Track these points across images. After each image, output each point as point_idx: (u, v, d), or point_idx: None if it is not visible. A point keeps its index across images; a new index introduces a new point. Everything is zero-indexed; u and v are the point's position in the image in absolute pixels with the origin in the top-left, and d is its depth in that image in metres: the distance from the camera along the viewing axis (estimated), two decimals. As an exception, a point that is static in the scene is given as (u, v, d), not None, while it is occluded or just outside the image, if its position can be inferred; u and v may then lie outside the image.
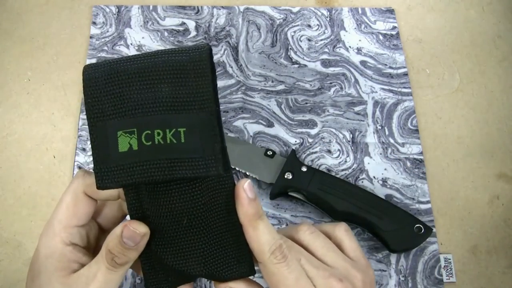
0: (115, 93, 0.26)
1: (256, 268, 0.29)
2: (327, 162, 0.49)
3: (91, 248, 0.31)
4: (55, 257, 0.28)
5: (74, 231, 0.29)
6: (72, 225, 0.29)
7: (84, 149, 0.49)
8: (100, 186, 0.26)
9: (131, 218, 0.28)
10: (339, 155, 0.50)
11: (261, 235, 0.28)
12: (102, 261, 0.27)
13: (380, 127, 0.51)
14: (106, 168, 0.26)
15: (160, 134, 0.25)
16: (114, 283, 0.28)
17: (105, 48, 0.54)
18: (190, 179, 0.26)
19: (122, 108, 0.25)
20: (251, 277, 0.30)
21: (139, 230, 0.27)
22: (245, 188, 0.27)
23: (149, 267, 0.29)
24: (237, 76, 0.53)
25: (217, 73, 0.53)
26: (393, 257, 0.46)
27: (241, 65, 0.54)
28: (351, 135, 0.51)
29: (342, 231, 0.33)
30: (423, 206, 0.48)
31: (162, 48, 0.54)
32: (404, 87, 0.53)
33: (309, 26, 0.56)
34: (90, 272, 0.28)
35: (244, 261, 0.29)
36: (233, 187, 0.28)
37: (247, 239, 0.28)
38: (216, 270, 0.28)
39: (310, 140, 0.50)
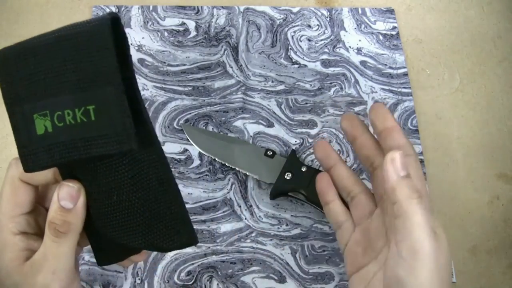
0: (26, 74, 0.25)
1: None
2: (327, 162, 0.49)
3: (43, 233, 0.30)
4: (7, 249, 0.28)
5: (20, 219, 0.29)
6: (17, 214, 0.29)
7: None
8: (26, 169, 0.26)
9: None
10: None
11: (420, 215, 0.27)
12: (46, 238, 0.27)
13: (380, 127, 0.51)
14: (29, 152, 0.26)
15: (70, 114, 0.25)
16: (65, 258, 0.28)
17: (105, 48, 0.54)
18: (112, 155, 0.26)
19: (34, 90, 0.25)
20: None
21: (72, 184, 0.27)
22: (395, 158, 0.27)
23: (96, 242, 0.30)
24: (237, 76, 0.53)
25: (217, 73, 0.53)
26: (393, 257, 0.46)
27: (241, 65, 0.54)
28: (351, 135, 0.51)
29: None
30: (423, 206, 0.48)
31: (162, 48, 0.54)
32: (404, 87, 0.53)
33: (309, 26, 0.56)
34: (40, 254, 0.28)
35: (184, 230, 0.28)
36: (162, 157, 0.27)
37: (408, 226, 0.27)
38: (157, 241, 0.28)
39: (310, 140, 0.50)
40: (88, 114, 0.25)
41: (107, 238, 0.29)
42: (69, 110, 0.25)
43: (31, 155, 0.26)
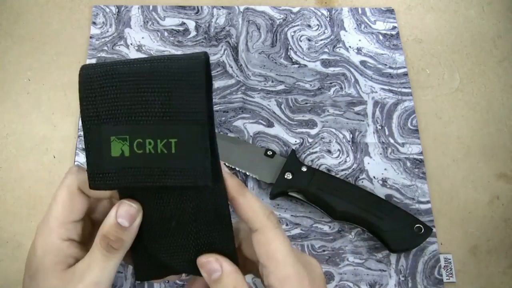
0: (110, 97, 0.26)
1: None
2: (327, 162, 0.49)
3: (86, 243, 0.31)
4: (52, 253, 0.28)
5: (71, 226, 0.29)
6: (69, 221, 0.29)
7: (84, 149, 0.49)
8: (93, 186, 0.27)
9: None
10: (339, 155, 0.50)
11: (252, 202, 0.28)
12: (96, 249, 0.28)
13: (380, 127, 0.51)
14: (99, 171, 0.26)
15: (151, 143, 0.25)
16: (109, 271, 0.28)
17: (105, 48, 0.54)
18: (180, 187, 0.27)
19: (116, 113, 0.26)
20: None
21: (134, 204, 0.27)
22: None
23: (139, 259, 0.30)
24: (237, 76, 0.53)
25: (217, 73, 0.53)
26: (393, 257, 0.46)
27: (241, 65, 0.54)
28: (351, 135, 0.51)
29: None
30: (423, 206, 0.48)
31: (162, 48, 0.54)
32: (404, 87, 0.53)
33: (309, 26, 0.56)
34: (85, 264, 0.28)
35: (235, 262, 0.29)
36: (223, 193, 0.28)
37: (240, 211, 0.28)
38: None
39: (310, 140, 0.50)
40: (170, 146, 0.25)
41: (152, 257, 0.30)
42: (151, 139, 0.25)
43: (101, 174, 0.26)
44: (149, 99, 0.25)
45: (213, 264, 0.28)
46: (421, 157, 0.50)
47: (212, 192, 0.28)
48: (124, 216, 0.27)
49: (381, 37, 0.56)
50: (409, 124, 0.51)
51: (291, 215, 0.47)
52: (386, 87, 0.53)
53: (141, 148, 0.25)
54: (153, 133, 0.25)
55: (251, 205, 0.28)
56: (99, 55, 0.53)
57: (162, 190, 0.27)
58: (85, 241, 0.31)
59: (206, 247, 0.29)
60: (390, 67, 0.54)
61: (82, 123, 0.26)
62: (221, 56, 0.54)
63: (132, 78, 0.25)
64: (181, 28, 0.55)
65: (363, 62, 0.54)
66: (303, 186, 0.45)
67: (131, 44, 0.54)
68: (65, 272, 0.28)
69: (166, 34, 0.55)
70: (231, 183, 0.28)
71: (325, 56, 0.55)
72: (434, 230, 0.46)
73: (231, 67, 0.53)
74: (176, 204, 0.28)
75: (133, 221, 0.27)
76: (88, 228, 0.32)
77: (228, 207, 0.28)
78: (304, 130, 0.51)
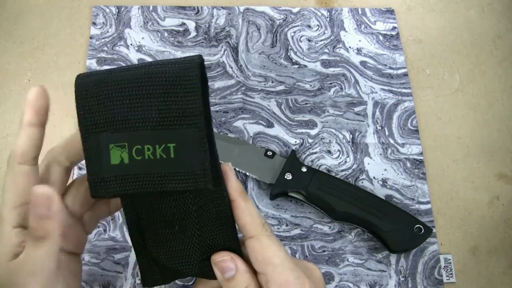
0: (107, 105, 0.26)
1: None
2: (327, 162, 0.49)
3: None
4: (2, 243, 0.27)
5: (21, 211, 0.28)
6: (18, 204, 0.27)
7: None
8: (94, 194, 0.27)
9: (127, 222, 0.29)
10: (339, 155, 0.50)
11: (252, 207, 0.28)
12: (29, 240, 0.26)
13: (380, 128, 0.51)
14: (99, 179, 0.26)
15: (150, 149, 0.25)
16: (42, 261, 0.26)
17: (105, 48, 0.54)
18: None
19: (113, 121, 0.26)
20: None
21: (45, 191, 0.26)
22: (231, 167, 0.29)
23: (145, 264, 0.30)
24: (237, 76, 0.53)
25: (217, 73, 0.53)
26: (393, 258, 0.46)
27: (241, 65, 0.54)
28: (351, 136, 0.51)
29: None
30: (423, 207, 0.48)
31: (162, 48, 0.54)
32: (404, 88, 0.53)
33: (309, 26, 0.56)
34: (25, 254, 0.27)
35: None
36: (224, 194, 0.28)
37: (239, 214, 0.28)
38: (209, 270, 0.29)
39: (310, 141, 0.50)
40: (168, 151, 0.25)
41: (157, 262, 0.30)
42: (149, 145, 0.25)
43: (101, 182, 0.26)
44: (145, 105, 0.25)
45: (227, 263, 0.28)
46: (421, 157, 0.50)
47: (213, 194, 0.28)
48: (37, 204, 0.25)
49: (381, 38, 0.56)
50: (409, 125, 0.51)
51: (291, 216, 0.47)
52: (386, 88, 0.53)
53: (140, 154, 0.25)
54: (151, 139, 0.25)
55: (250, 210, 0.28)
56: (99, 55, 0.53)
57: (164, 194, 0.27)
58: None
59: (211, 249, 0.29)
60: (390, 68, 0.54)
61: (80, 132, 0.26)
62: (221, 57, 0.54)
63: (128, 85, 0.25)
64: (181, 29, 0.55)
65: (363, 63, 0.54)
66: (303, 186, 0.45)
67: (131, 44, 0.54)
68: (10, 264, 0.27)
69: (166, 34, 0.55)
70: (235, 184, 0.28)
71: (325, 57, 0.55)
72: (434, 230, 0.46)
73: (231, 68, 0.53)
74: (178, 207, 0.28)
75: (49, 207, 0.26)
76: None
77: (230, 208, 0.28)
78: (304, 130, 0.51)
